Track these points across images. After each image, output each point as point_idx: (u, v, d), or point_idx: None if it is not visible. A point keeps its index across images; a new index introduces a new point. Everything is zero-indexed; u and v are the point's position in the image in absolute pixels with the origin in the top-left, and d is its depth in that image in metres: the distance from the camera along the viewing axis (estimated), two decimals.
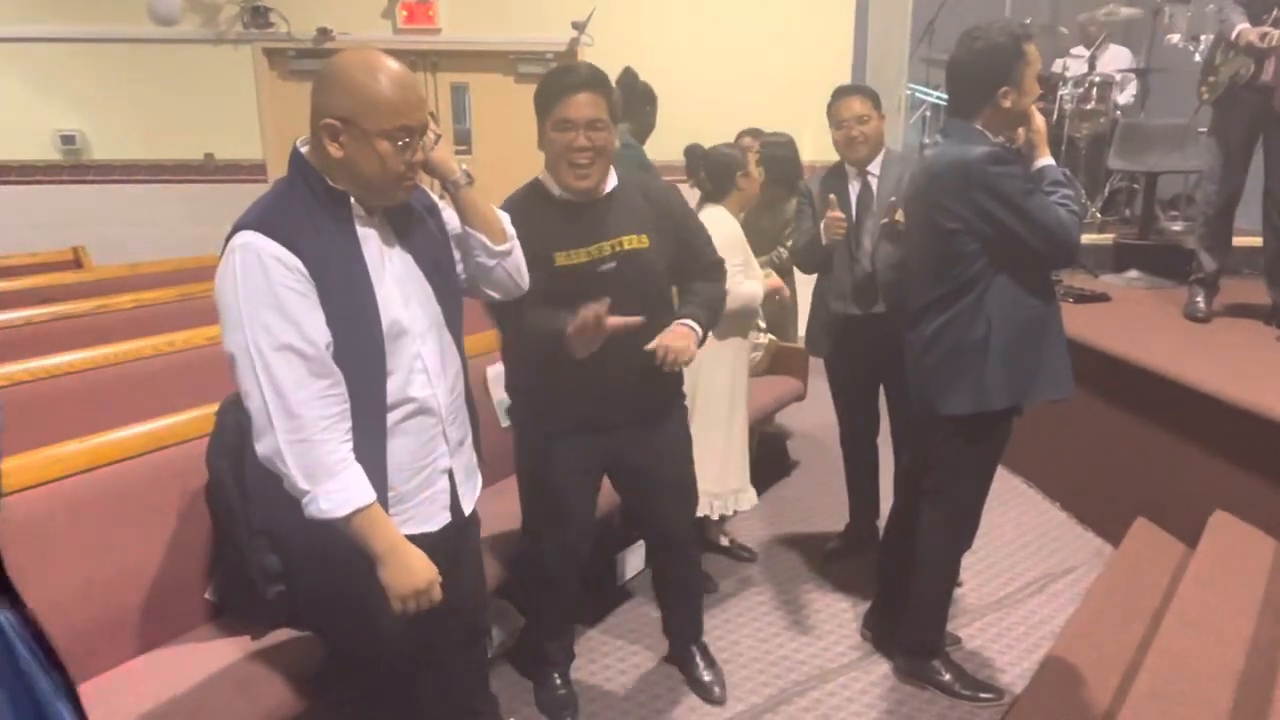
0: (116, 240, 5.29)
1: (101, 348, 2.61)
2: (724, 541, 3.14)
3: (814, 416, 4.52)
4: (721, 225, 2.55)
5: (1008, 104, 1.97)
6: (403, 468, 1.50)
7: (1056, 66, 5.34)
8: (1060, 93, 4.81)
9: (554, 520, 2.09)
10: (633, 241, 1.92)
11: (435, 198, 1.66)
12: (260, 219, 1.36)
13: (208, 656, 1.75)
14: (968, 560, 3.03)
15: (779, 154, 3.56)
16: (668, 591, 2.33)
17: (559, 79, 1.84)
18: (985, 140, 1.98)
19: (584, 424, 2.01)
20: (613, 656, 2.52)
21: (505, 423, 2.83)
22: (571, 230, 1.90)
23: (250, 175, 5.68)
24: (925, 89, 6.08)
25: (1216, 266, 3.66)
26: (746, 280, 2.63)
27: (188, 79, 5.58)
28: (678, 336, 1.94)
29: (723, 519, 2.94)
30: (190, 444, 1.94)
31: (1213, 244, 3.63)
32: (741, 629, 2.67)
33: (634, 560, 2.98)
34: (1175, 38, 4.46)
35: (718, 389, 2.67)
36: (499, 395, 2.85)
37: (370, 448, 1.43)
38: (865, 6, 5.54)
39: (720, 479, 2.71)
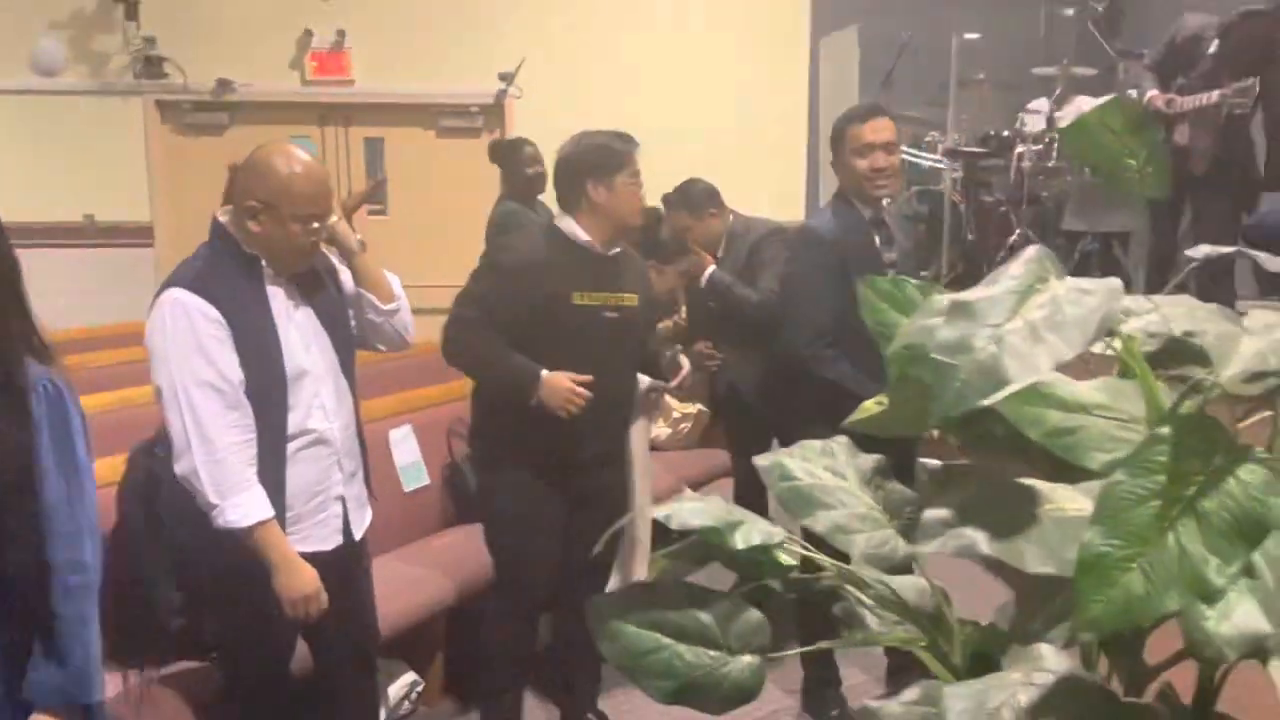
0: None
1: None
2: None
3: None
4: None
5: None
6: (300, 492, 2.27)
7: (1029, 124, 6.15)
8: (1018, 149, 5.71)
9: (535, 560, 2.79)
10: (630, 300, 2.81)
11: (335, 261, 2.48)
12: (187, 279, 2.19)
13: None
14: None
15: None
16: (575, 653, 2.97)
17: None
18: None
19: (550, 463, 2.77)
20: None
21: (410, 486, 3.59)
22: (590, 275, 2.74)
23: (135, 239, 6.53)
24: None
25: None
26: None
27: (67, 133, 6.45)
28: None
29: None
30: (99, 490, 2.65)
31: None
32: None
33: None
34: (1135, 94, 5.43)
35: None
36: (402, 459, 3.60)
37: (273, 472, 2.21)
38: (817, 57, 6.58)
39: None
